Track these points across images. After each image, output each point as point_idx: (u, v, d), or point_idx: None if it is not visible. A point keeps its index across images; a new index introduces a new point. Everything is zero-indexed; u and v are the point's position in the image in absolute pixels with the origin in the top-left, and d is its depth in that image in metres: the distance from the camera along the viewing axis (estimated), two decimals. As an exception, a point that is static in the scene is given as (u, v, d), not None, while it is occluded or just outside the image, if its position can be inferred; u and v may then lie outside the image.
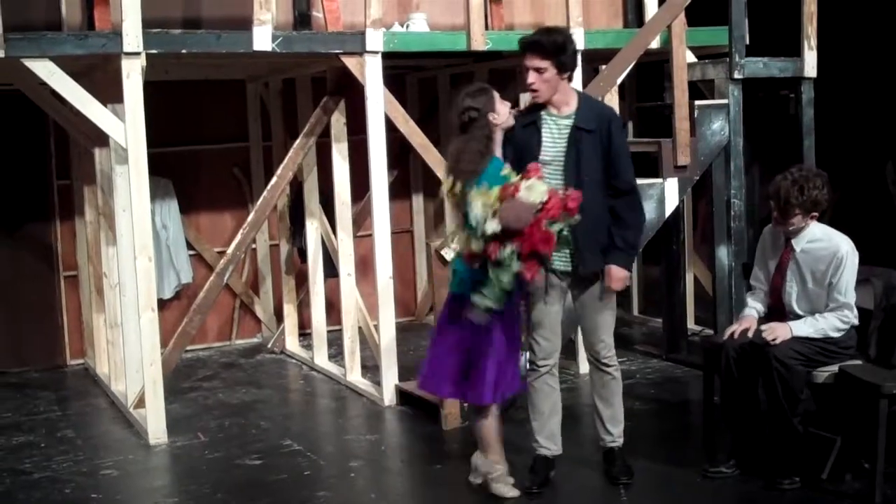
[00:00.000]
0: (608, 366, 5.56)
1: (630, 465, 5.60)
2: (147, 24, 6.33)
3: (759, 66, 7.59)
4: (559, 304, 5.47)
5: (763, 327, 5.41)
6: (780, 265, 5.54)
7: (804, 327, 5.33)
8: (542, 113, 5.34)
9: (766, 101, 8.00)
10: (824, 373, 5.37)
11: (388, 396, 7.18)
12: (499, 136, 5.17)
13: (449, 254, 6.55)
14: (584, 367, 7.75)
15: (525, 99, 8.44)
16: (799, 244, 5.45)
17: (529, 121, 5.35)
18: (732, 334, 5.50)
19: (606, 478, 5.60)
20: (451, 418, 6.57)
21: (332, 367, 8.17)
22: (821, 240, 5.42)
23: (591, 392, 5.67)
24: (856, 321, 5.40)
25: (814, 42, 7.68)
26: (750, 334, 5.44)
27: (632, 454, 5.69)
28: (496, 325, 5.10)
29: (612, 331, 5.59)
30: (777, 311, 5.56)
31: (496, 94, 5.19)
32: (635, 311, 9.84)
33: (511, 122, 5.23)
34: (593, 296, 5.44)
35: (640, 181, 7.17)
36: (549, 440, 5.57)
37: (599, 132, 5.29)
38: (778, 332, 5.31)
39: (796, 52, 7.69)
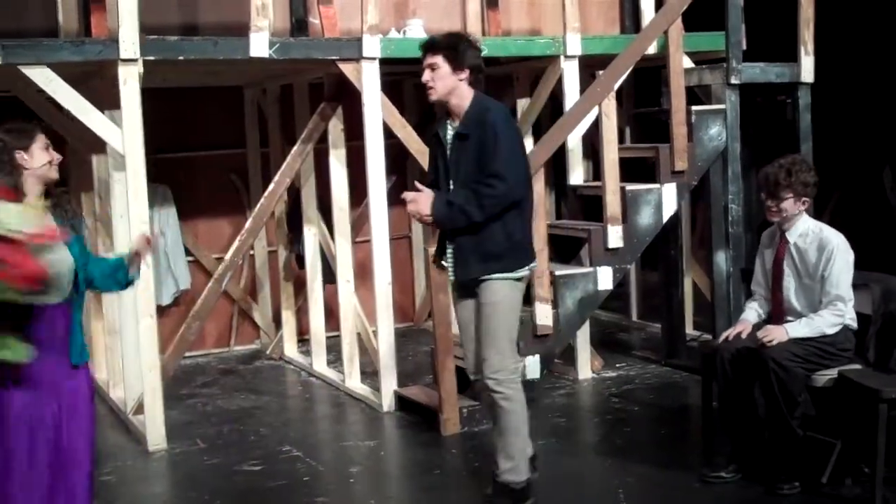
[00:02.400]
0: (493, 390, 5.11)
1: None
2: (144, 30, 6.34)
3: (756, 72, 7.60)
4: (468, 312, 5.25)
5: (759, 332, 5.41)
6: (776, 260, 5.56)
7: (800, 328, 5.34)
8: (447, 122, 5.18)
9: (763, 106, 8.01)
10: (824, 377, 5.37)
11: (387, 402, 7.17)
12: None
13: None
14: (583, 372, 7.78)
15: (522, 107, 8.50)
16: (793, 236, 5.49)
17: (435, 131, 5.26)
18: (727, 337, 5.52)
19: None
20: (449, 424, 6.57)
21: (330, 373, 8.17)
22: (813, 232, 5.47)
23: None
24: (852, 317, 5.42)
25: (811, 47, 7.69)
26: (744, 336, 5.46)
27: (632, 459, 5.70)
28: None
29: (503, 348, 5.11)
30: (777, 316, 5.56)
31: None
32: (634, 317, 9.84)
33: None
34: (477, 306, 5.16)
35: (638, 186, 7.26)
36: (497, 455, 5.35)
37: (477, 136, 5.01)
38: (774, 333, 5.32)
39: (793, 57, 7.70)
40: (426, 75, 5.12)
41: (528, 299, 6.99)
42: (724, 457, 5.59)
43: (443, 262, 5.28)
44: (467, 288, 5.22)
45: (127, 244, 6.57)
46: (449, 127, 5.17)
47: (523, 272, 5.15)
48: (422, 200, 5.06)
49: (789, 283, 5.51)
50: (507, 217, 5.03)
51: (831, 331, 5.35)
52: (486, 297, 5.11)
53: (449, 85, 5.10)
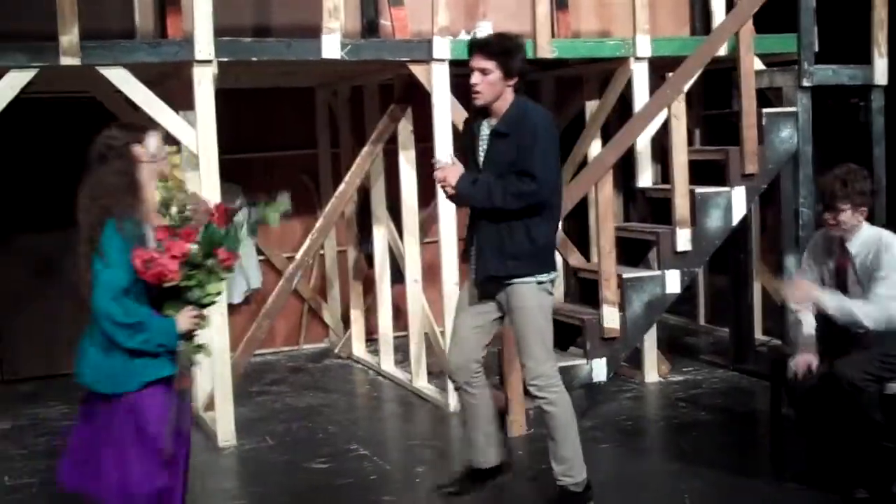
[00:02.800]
0: (536, 396, 5.23)
1: None
2: (218, 32, 6.43)
3: (829, 74, 7.52)
4: (473, 314, 5.33)
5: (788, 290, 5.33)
6: (838, 271, 5.43)
7: (829, 300, 5.19)
8: (484, 120, 5.22)
9: (835, 108, 7.92)
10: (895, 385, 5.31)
11: (454, 403, 7.19)
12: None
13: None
14: (650, 376, 7.75)
15: (591, 108, 8.49)
16: (854, 247, 5.35)
17: (472, 121, 5.33)
18: (797, 376, 5.31)
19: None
20: (516, 426, 6.59)
21: (398, 373, 8.22)
22: (873, 240, 5.32)
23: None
24: None
25: (884, 49, 7.59)
26: (814, 369, 5.26)
27: (698, 464, 5.67)
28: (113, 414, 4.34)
29: (538, 354, 5.19)
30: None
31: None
32: (702, 321, 9.78)
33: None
34: (517, 309, 5.18)
35: (707, 189, 7.22)
36: (475, 451, 5.55)
37: (516, 136, 5.05)
38: (804, 292, 5.24)
39: (866, 59, 7.61)
40: (476, 78, 5.11)
41: (597, 302, 7.01)
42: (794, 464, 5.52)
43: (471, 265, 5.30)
44: (487, 291, 5.26)
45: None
46: (485, 124, 5.21)
47: (545, 277, 5.16)
48: (451, 171, 5.15)
49: (854, 294, 5.35)
50: (531, 220, 5.07)
51: (867, 322, 5.12)
52: (514, 302, 5.16)
53: (498, 91, 5.13)
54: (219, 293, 4.36)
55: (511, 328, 5.33)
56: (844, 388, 5.10)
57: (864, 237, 5.35)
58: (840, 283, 5.44)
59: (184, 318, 4.28)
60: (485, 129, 5.20)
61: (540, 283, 5.15)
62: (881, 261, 5.22)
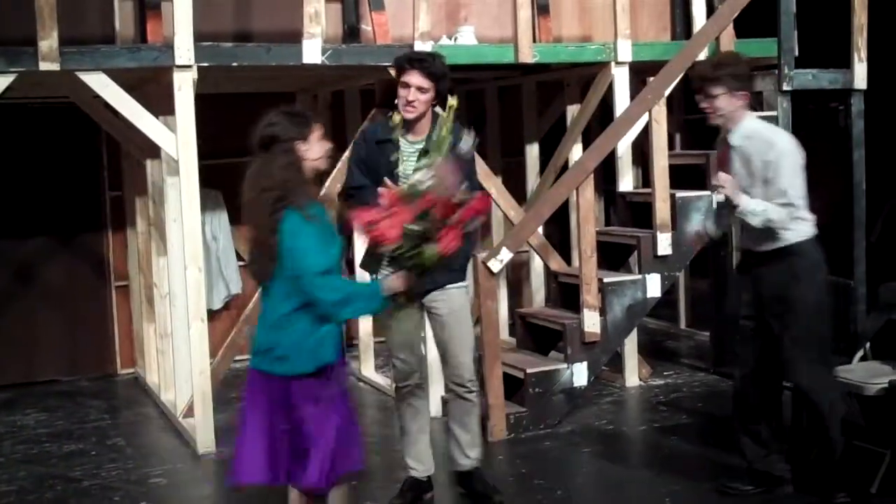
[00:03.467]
0: (471, 390, 5.47)
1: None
2: (198, 37, 6.42)
3: (809, 78, 7.53)
4: (415, 322, 5.40)
5: (714, 180, 5.15)
6: (718, 164, 5.28)
7: (754, 204, 5.03)
8: (401, 137, 5.24)
9: (815, 113, 7.95)
10: (874, 386, 5.33)
11: (434, 408, 7.18)
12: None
13: (496, 265, 6.58)
14: (630, 379, 7.76)
15: (572, 113, 8.50)
16: (735, 138, 5.15)
17: (383, 138, 5.28)
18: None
19: (474, 499, 5.57)
20: (496, 430, 6.59)
21: (378, 378, 8.20)
22: (759, 133, 5.14)
23: (448, 418, 5.62)
24: (809, 222, 5.16)
25: (864, 53, 7.61)
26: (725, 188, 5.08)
27: (679, 468, 5.67)
28: (315, 401, 4.34)
29: (472, 351, 5.48)
30: None
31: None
32: (682, 325, 9.80)
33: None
34: (455, 311, 5.38)
35: (688, 193, 7.23)
36: (417, 461, 5.56)
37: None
38: (729, 186, 5.06)
39: (846, 63, 7.63)
40: (413, 94, 5.16)
41: (577, 306, 7.01)
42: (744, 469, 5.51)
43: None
44: (434, 297, 5.34)
45: (180, 248, 6.67)
46: (405, 142, 5.24)
47: (467, 282, 5.51)
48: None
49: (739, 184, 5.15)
50: None
51: (783, 230, 5.06)
52: (451, 306, 5.36)
53: (426, 109, 5.24)
54: (434, 261, 4.43)
55: (442, 331, 5.41)
56: (807, 396, 5.22)
57: (749, 129, 5.16)
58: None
59: (395, 281, 4.43)
60: (408, 147, 5.24)
61: (466, 287, 5.46)
62: (768, 162, 5.05)
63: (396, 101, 5.21)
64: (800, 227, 5.13)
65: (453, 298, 5.36)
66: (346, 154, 7.61)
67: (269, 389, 4.32)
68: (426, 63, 5.21)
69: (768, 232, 5.11)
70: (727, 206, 5.29)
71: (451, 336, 5.39)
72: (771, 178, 5.05)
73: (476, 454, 5.58)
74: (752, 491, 5.43)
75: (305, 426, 4.29)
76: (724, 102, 5.10)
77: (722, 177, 5.12)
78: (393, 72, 5.33)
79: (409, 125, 5.24)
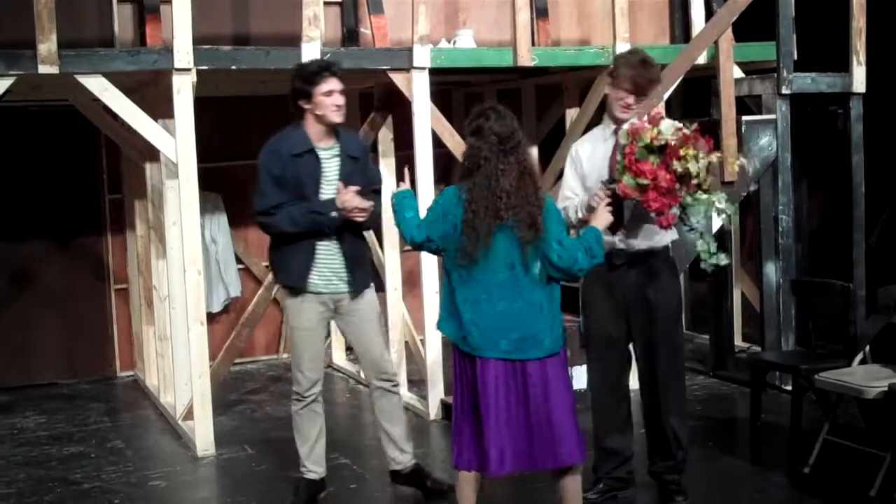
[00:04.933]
0: (396, 384, 5.72)
1: None
2: (197, 40, 6.42)
3: (808, 82, 7.56)
4: (320, 329, 5.55)
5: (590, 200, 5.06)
6: (614, 154, 5.17)
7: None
8: (314, 146, 5.36)
9: (814, 116, 7.95)
10: (874, 390, 5.33)
11: (434, 411, 7.20)
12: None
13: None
14: (631, 382, 7.74)
15: (571, 116, 8.50)
16: (623, 137, 5.08)
17: (301, 151, 5.35)
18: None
19: (426, 495, 5.69)
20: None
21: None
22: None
23: (378, 417, 5.68)
24: None
25: (863, 57, 7.63)
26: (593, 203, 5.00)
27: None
28: (555, 372, 4.59)
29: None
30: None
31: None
32: (682, 328, 9.77)
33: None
34: (369, 311, 5.55)
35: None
36: (317, 465, 5.64)
37: (363, 158, 5.52)
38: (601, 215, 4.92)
39: (845, 67, 7.65)
40: (341, 99, 5.35)
41: (577, 309, 7.01)
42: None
43: (313, 280, 5.39)
44: (324, 302, 5.46)
45: (179, 251, 6.67)
46: (322, 150, 5.37)
47: None
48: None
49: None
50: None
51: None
52: (371, 304, 5.57)
53: None
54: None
55: (363, 331, 5.56)
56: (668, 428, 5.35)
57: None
58: (613, 165, 5.19)
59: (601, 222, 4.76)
60: (324, 154, 5.38)
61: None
62: None
63: (320, 111, 5.30)
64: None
65: (367, 299, 5.53)
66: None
67: (515, 375, 4.51)
68: (336, 68, 5.40)
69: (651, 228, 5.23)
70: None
71: (374, 334, 5.56)
72: None
73: (410, 448, 5.71)
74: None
75: (557, 402, 4.52)
76: (642, 101, 5.32)
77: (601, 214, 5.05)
78: (299, 85, 5.34)
79: (320, 132, 5.36)
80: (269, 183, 5.32)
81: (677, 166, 4.76)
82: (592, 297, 5.43)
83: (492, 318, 4.48)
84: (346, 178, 5.32)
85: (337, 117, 5.33)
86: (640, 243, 5.22)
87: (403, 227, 4.86)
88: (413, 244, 4.85)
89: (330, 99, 5.28)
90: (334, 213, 5.25)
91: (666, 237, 5.29)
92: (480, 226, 4.43)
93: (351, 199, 5.24)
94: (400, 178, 5.11)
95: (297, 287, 5.39)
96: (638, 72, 5.20)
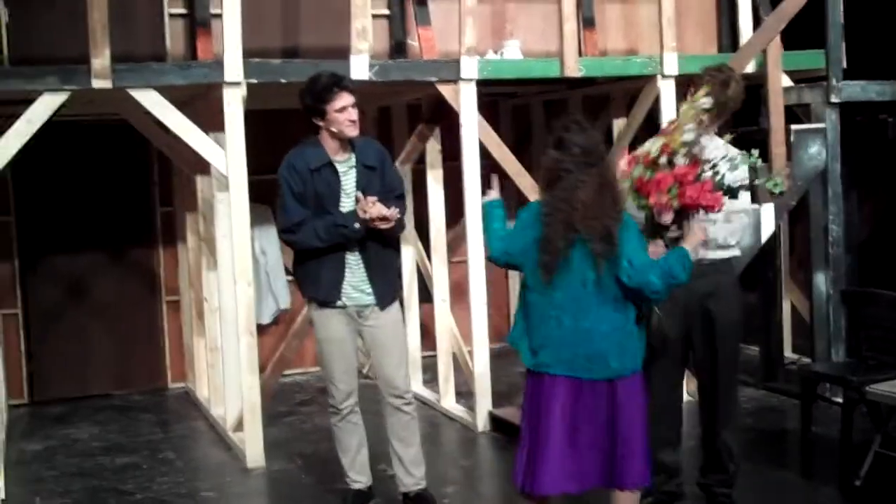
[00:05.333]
0: (409, 403, 5.58)
1: None
2: (247, 54, 6.48)
3: (857, 90, 7.49)
4: (350, 340, 5.48)
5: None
6: None
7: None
8: (329, 160, 5.35)
9: (864, 125, 7.89)
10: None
11: (482, 422, 7.20)
12: None
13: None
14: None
15: (618, 126, 8.48)
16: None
17: (318, 165, 5.34)
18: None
19: None
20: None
21: (425, 393, 8.21)
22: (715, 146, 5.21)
23: (389, 436, 5.60)
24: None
25: (913, 65, 7.57)
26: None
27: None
28: (627, 393, 4.46)
29: (407, 365, 5.65)
30: None
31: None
32: (740, 342, 9.70)
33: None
34: (390, 326, 5.48)
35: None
36: (360, 474, 5.64)
37: (382, 167, 5.44)
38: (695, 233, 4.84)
39: (895, 75, 7.58)
40: (355, 114, 5.31)
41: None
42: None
43: (342, 301, 5.39)
44: (374, 312, 5.44)
45: (229, 263, 6.73)
46: (338, 162, 5.35)
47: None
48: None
49: None
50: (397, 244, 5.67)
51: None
52: (395, 316, 5.51)
53: None
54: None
55: (382, 346, 5.49)
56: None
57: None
58: None
59: (696, 235, 4.58)
60: (343, 167, 5.37)
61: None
62: None
63: (335, 127, 5.28)
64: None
65: (391, 313, 5.47)
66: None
67: (582, 395, 4.42)
68: (346, 82, 5.38)
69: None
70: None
71: (392, 350, 5.48)
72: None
73: (420, 472, 5.61)
74: None
75: (627, 425, 4.42)
76: None
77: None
78: (311, 103, 5.33)
79: (336, 146, 5.35)
80: (290, 199, 5.32)
81: (678, 150, 4.64)
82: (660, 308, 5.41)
83: (561, 335, 4.40)
84: (364, 189, 5.29)
85: (352, 131, 5.30)
86: (703, 255, 5.17)
87: (487, 238, 4.83)
88: (489, 257, 4.80)
89: (344, 115, 5.25)
90: (357, 225, 5.22)
91: (730, 251, 5.24)
92: (556, 239, 4.35)
93: (371, 208, 5.21)
94: (487, 186, 5.00)
95: (326, 301, 5.37)
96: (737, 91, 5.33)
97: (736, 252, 5.29)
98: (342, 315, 5.39)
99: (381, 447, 6.72)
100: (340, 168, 5.35)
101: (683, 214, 4.63)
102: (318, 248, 5.28)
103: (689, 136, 4.61)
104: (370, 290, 5.38)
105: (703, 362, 5.29)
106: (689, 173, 4.56)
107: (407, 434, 5.57)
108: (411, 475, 5.58)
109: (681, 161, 4.58)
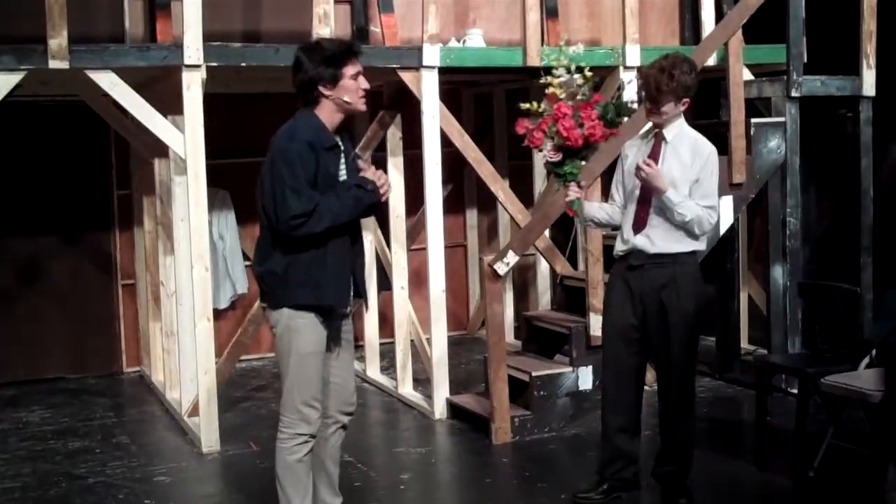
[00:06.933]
0: (351, 416, 4.94)
1: None
2: (208, 37, 6.43)
3: (817, 85, 7.55)
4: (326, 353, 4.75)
5: (643, 163, 5.12)
6: (652, 154, 5.24)
7: (676, 195, 5.08)
8: (334, 138, 4.68)
9: (823, 119, 7.94)
10: (880, 393, 5.32)
11: (439, 410, 7.20)
12: None
13: (502, 268, 6.57)
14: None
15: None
16: (670, 134, 5.22)
17: (330, 143, 4.65)
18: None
19: None
20: (501, 433, 6.58)
21: (383, 380, 8.21)
22: (688, 136, 5.24)
23: (322, 454, 4.85)
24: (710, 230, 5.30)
25: (872, 60, 7.62)
26: (571, 194, 5.17)
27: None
28: None
29: None
30: (641, 218, 5.23)
31: None
32: (697, 334, 9.75)
33: None
34: (350, 336, 4.86)
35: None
36: (334, 496, 4.97)
37: (353, 153, 4.82)
38: (657, 176, 5.07)
39: (855, 70, 7.64)
40: (366, 84, 4.71)
41: (583, 310, 7.01)
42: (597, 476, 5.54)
43: (350, 307, 4.78)
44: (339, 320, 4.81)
45: (187, 247, 6.68)
46: (338, 141, 4.70)
47: None
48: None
49: (669, 172, 5.18)
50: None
51: (696, 230, 5.14)
52: (350, 327, 4.88)
53: None
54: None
55: (344, 353, 4.84)
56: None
57: (679, 130, 5.25)
58: (656, 162, 5.23)
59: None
60: (340, 147, 4.72)
61: None
62: (703, 170, 5.17)
63: (348, 97, 4.63)
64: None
65: (349, 325, 4.87)
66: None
67: None
68: (357, 47, 4.76)
69: (675, 233, 5.19)
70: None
71: (352, 360, 4.93)
72: (701, 179, 5.17)
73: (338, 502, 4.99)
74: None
75: None
76: (670, 108, 5.19)
77: (650, 166, 5.13)
78: (320, 70, 4.61)
79: (334, 124, 4.70)
80: (300, 184, 4.50)
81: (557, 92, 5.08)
82: (610, 295, 5.43)
83: None
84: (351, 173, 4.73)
85: (363, 104, 4.70)
86: (661, 247, 5.19)
87: None
88: None
89: (356, 83, 4.62)
90: (371, 186, 4.60)
91: (691, 244, 5.23)
92: None
93: (379, 174, 4.67)
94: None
95: (334, 307, 4.66)
96: (650, 77, 5.20)
97: (699, 246, 5.28)
98: (326, 322, 4.68)
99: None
100: (339, 148, 4.71)
101: (571, 151, 4.98)
102: (318, 245, 4.53)
103: (562, 79, 5.05)
104: (360, 290, 4.80)
105: (658, 353, 5.31)
106: (565, 110, 4.90)
107: (339, 452, 4.99)
108: (338, 496, 4.97)
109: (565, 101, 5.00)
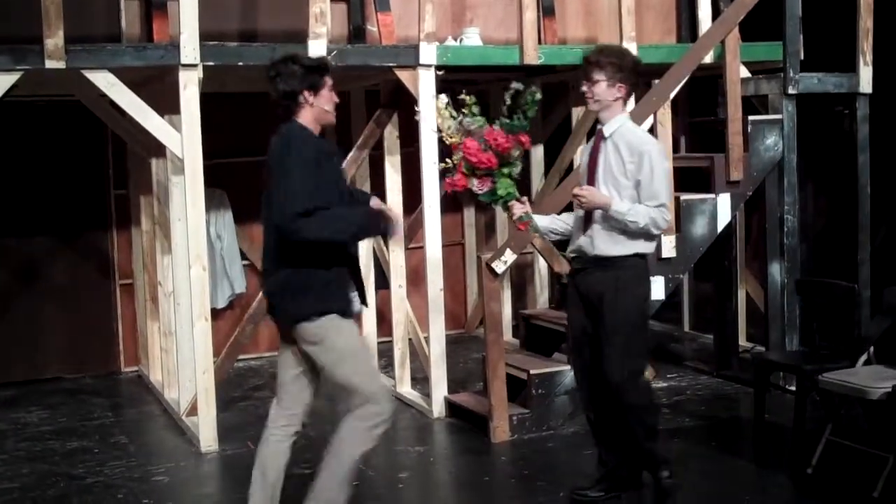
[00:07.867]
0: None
1: None
2: (204, 36, 6.42)
3: (814, 82, 7.55)
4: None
5: (576, 189, 5.13)
6: (592, 154, 5.25)
7: (622, 205, 5.03)
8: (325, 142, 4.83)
9: (820, 116, 7.95)
10: (878, 390, 5.32)
11: (438, 408, 7.20)
12: None
13: (500, 267, 6.57)
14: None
15: (577, 115, 8.49)
16: (608, 130, 5.16)
17: (331, 150, 4.85)
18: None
19: None
20: (499, 431, 6.58)
21: (382, 379, 8.19)
22: (629, 132, 5.16)
23: (278, 462, 5.11)
24: (665, 228, 5.21)
25: (869, 58, 7.62)
26: (516, 211, 5.10)
27: (681, 471, 5.67)
28: None
29: None
30: (588, 217, 5.21)
31: None
32: (686, 327, 9.79)
33: None
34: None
35: (692, 196, 7.23)
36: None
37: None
38: (592, 194, 5.06)
39: (851, 67, 7.64)
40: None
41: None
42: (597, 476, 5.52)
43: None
44: None
45: (184, 247, 6.68)
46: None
47: None
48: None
49: (605, 179, 5.15)
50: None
51: (653, 230, 5.09)
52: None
53: None
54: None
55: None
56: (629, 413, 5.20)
57: (618, 124, 5.19)
58: (591, 166, 5.24)
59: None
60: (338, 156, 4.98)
61: None
62: (643, 170, 5.06)
63: (328, 106, 4.77)
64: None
65: None
66: (350, 156, 7.65)
67: None
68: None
69: (617, 237, 5.14)
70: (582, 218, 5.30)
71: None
72: (641, 180, 5.08)
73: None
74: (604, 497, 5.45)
75: None
76: (602, 89, 5.14)
77: (584, 190, 5.12)
78: (308, 76, 4.74)
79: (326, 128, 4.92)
80: (313, 179, 4.50)
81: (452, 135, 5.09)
82: (568, 298, 5.47)
83: None
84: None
85: (334, 118, 4.84)
86: (602, 249, 5.15)
87: None
88: None
89: (332, 95, 4.78)
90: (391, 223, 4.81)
91: (634, 246, 5.15)
92: None
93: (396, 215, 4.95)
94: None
95: (357, 309, 4.84)
96: (586, 59, 5.21)
97: (645, 248, 5.18)
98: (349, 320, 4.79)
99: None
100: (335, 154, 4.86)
101: (493, 172, 4.98)
102: (325, 249, 4.58)
103: (452, 128, 5.08)
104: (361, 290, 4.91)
105: (600, 349, 5.21)
106: (469, 144, 4.94)
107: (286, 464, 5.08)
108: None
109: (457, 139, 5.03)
